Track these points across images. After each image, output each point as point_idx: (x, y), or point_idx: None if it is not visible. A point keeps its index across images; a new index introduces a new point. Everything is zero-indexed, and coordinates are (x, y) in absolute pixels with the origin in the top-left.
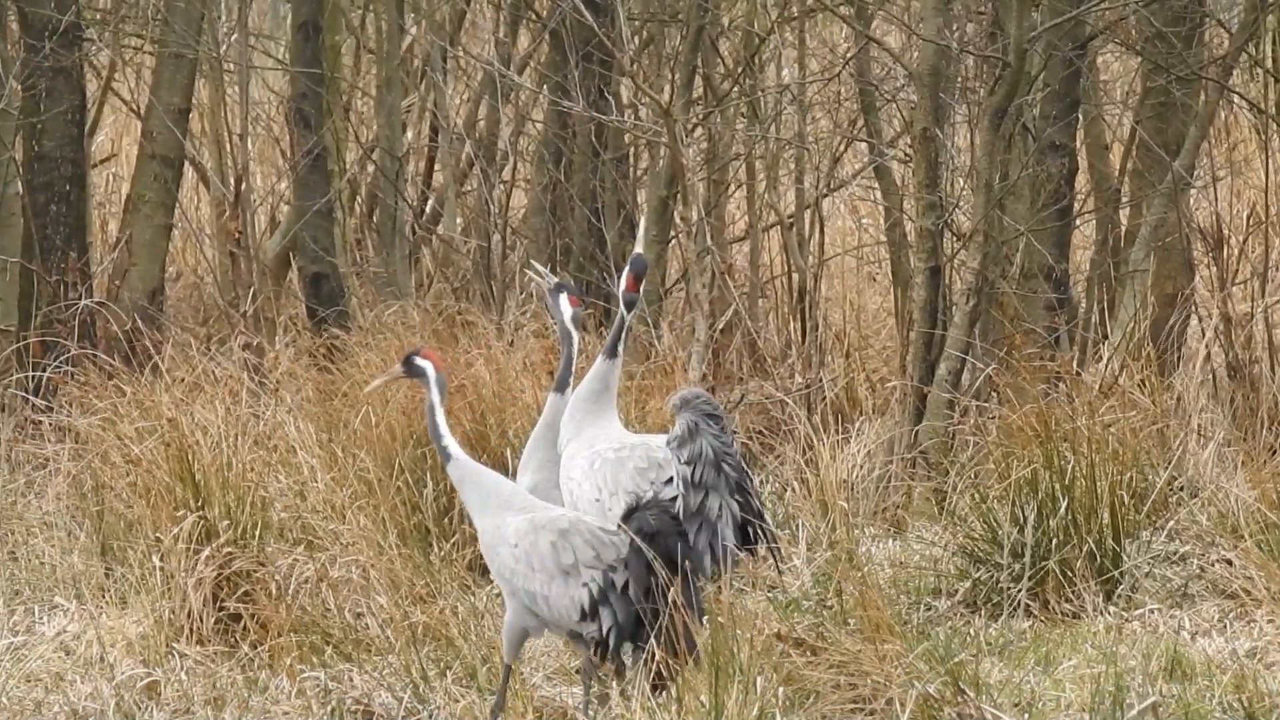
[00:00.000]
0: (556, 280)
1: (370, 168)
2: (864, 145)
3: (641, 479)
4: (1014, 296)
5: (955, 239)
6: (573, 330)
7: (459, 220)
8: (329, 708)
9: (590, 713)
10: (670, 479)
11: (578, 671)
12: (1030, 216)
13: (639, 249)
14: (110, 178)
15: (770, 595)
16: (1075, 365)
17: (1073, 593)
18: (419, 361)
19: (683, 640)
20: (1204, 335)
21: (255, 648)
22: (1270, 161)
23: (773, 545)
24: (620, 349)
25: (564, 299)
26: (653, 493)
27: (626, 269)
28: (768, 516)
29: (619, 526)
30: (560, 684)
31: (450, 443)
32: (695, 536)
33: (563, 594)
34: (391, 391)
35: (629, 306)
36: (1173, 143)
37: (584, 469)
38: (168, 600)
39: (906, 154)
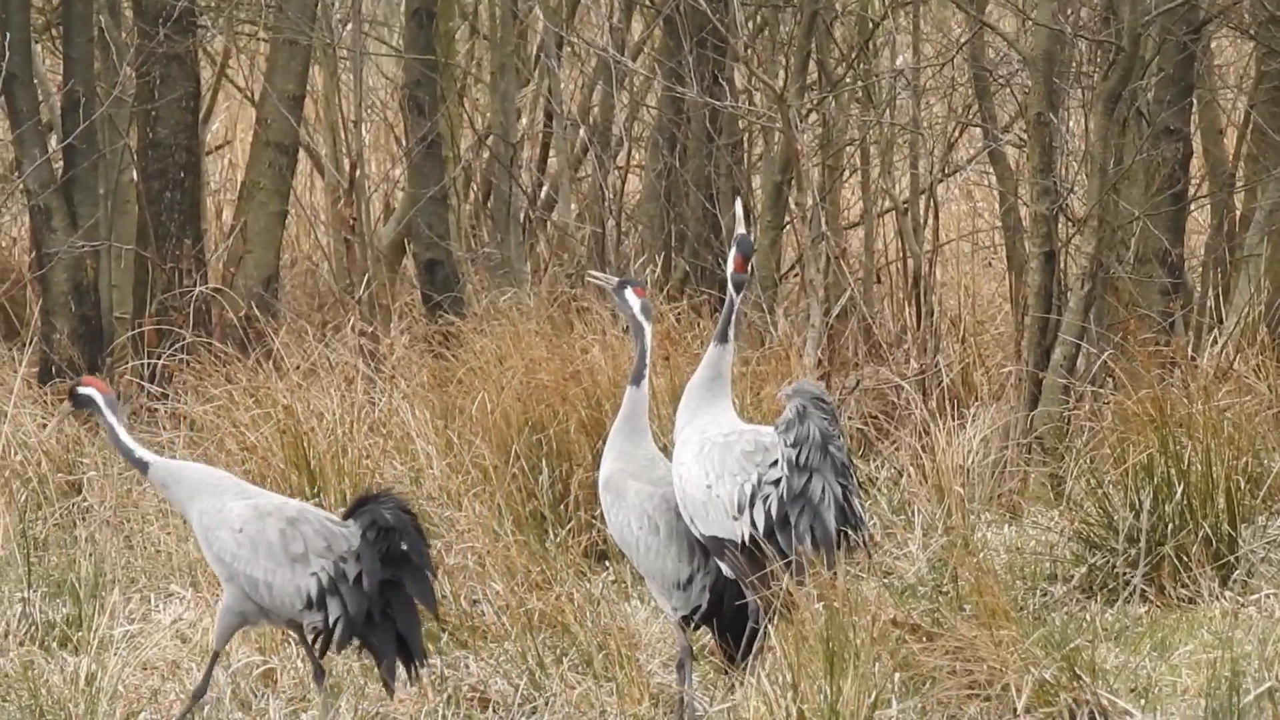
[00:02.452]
0: (618, 279)
1: (485, 154)
2: (978, 130)
3: (748, 462)
4: (1129, 281)
5: (1070, 224)
6: (643, 322)
7: (574, 206)
8: (445, 695)
9: (696, 700)
10: (775, 462)
11: (679, 665)
12: (1145, 201)
13: (741, 229)
14: (225, 165)
15: (886, 581)
16: (1190, 350)
17: (1188, 578)
18: (83, 391)
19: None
20: None
21: None
22: None
23: (866, 535)
24: (731, 333)
25: (629, 292)
26: (758, 475)
27: (733, 249)
28: (862, 507)
29: (345, 518)
30: (674, 670)
31: (142, 452)
32: (797, 519)
33: (288, 581)
34: (507, 377)
35: (738, 288)
36: None
37: (694, 454)
38: None
39: (1021, 139)
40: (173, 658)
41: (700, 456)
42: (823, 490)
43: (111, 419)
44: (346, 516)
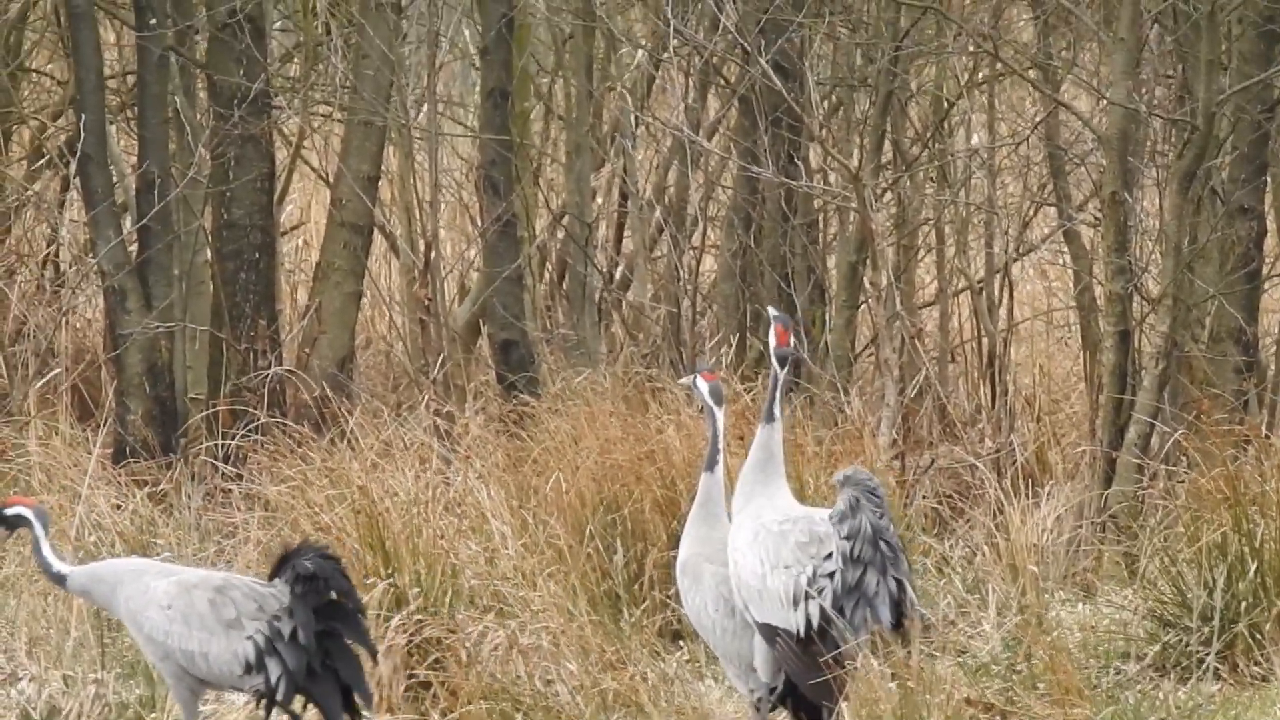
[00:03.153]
0: (691, 375)
1: (560, 234)
2: (1053, 209)
3: (802, 553)
4: (1203, 360)
5: (1144, 303)
6: (714, 406)
7: (649, 286)
8: None
9: None
10: (830, 554)
11: None
12: (1219, 280)
13: (773, 311)
14: (299, 245)
15: (960, 660)
16: (1264, 428)
17: (1262, 656)
18: (10, 512)
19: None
20: None
21: (445, 715)
22: None
23: (923, 618)
24: (778, 411)
25: (698, 379)
26: (813, 568)
27: (772, 324)
28: (915, 594)
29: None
30: None
31: (60, 566)
32: (852, 612)
33: (225, 649)
34: (582, 457)
35: (782, 363)
36: None
37: (748, 540)
38: None
39: (1095, 218)
40: None
41: (755, 544)
42: (876, 584)
43: (39, 532)
44: (271, 576)
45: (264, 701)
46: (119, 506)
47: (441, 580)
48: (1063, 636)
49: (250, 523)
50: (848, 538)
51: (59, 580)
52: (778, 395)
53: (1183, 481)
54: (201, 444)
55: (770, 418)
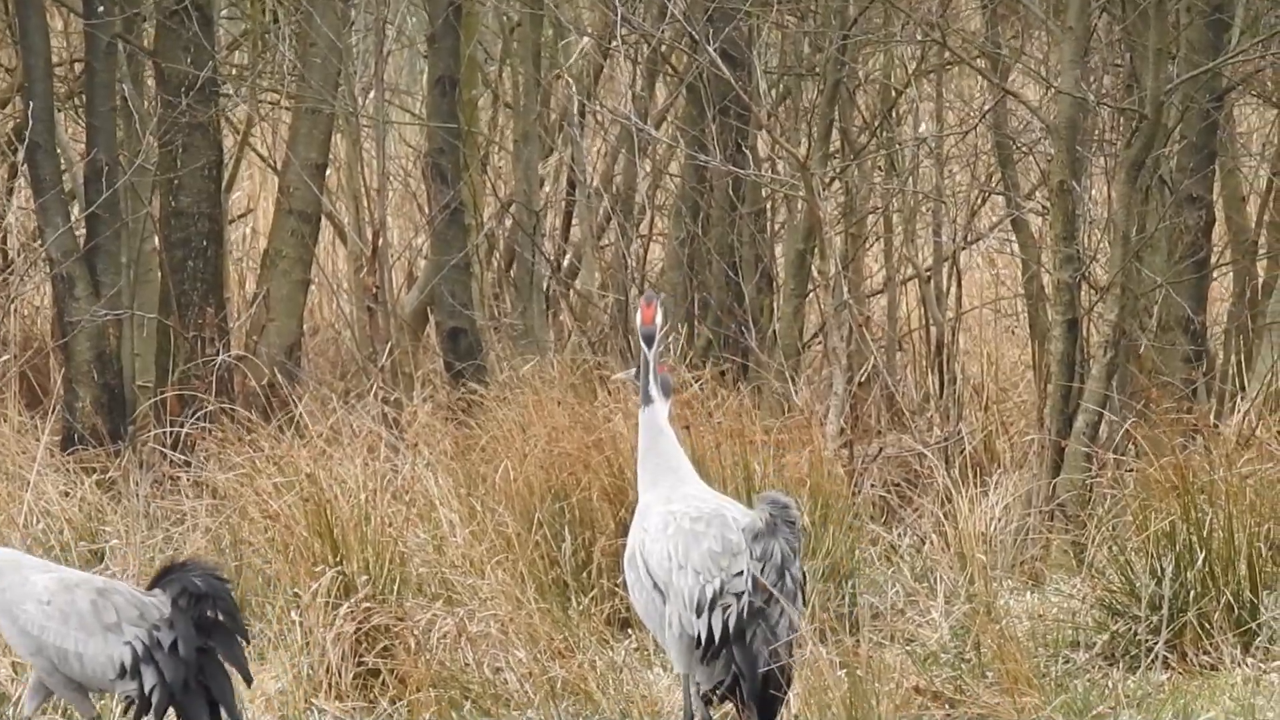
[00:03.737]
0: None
1: (508, 222)
2: (1001, 198)
3: (713, 563)
4: (1151, 349)
5: (1092, 291)
6: (645, 347)
7: (596, 274)
8: None
9: None
10: (740, 572)
11: None
12: (1168, 269)
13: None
14: (248, 233)
15: (909, 648)
16: (1213, 417)
17: (1210, 645)
18: None
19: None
20: None
21: (394, 703)
22: None
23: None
24: (654, 391)
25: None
26: (720, 582)
27: (641, 304)
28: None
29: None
30: None
31: None
32: (751, 637)
33: (100, 651)
34: (530, 445)
35: (648, 342)
36: None
37: (658, 527)
38: (306, 655)
39: (1044, 207)
40: None
41: (664, 534)
42: (780, 613)
43: None
44: (151, 586)
45: (133, 708)
46: (67, 494)
47: (390, 568)
48: (1011, 625)
49: (199, 510)
50: (760, 559)
51: None
52: (650, 377)
53: (1131, 470)
54: (150, 431)
55: (648, 399)
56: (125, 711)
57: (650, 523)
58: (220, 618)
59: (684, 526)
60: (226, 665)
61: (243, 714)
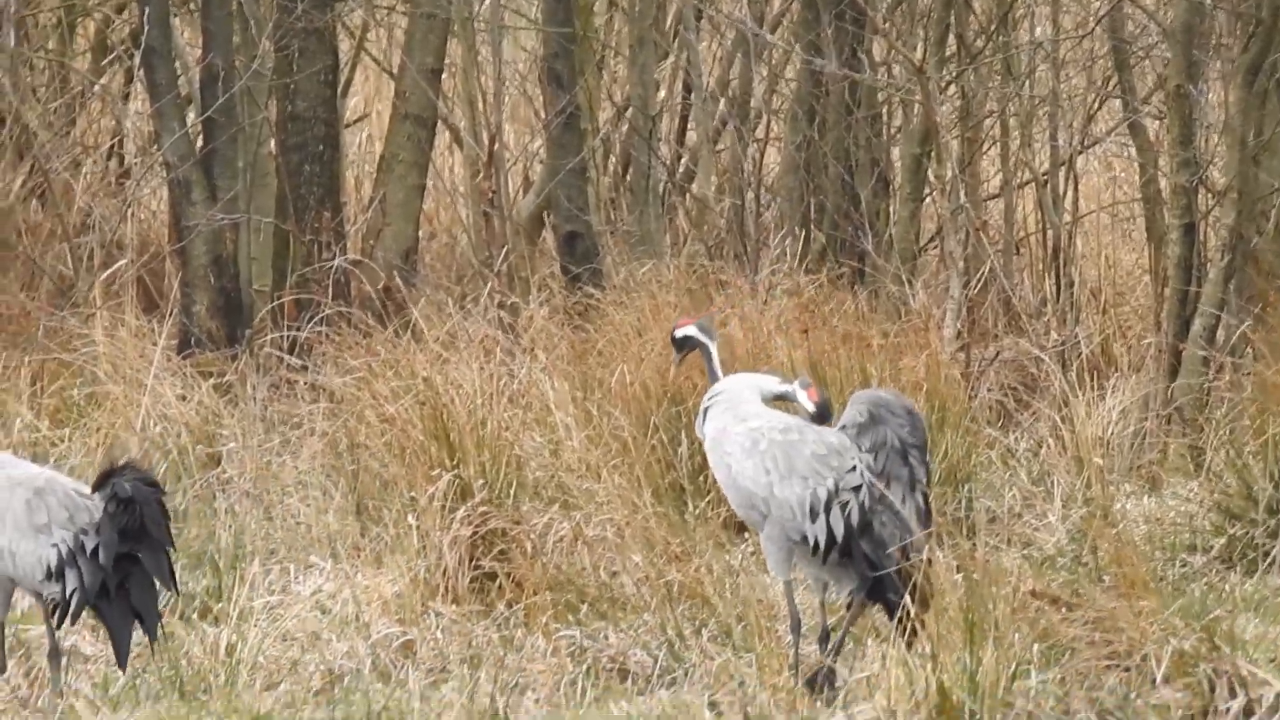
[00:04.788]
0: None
1: (624, 126)
2: (1118, 102)
3: (821, 465)
4: (1269, 252)
5: (1210, 195)
6: (706, 341)
7: (713, 179)
8: (584, 666)
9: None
10: (853, 467)
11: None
12: None
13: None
14: (364, 138)
15: (1025, 552)
16: None
17: None
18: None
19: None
20: None
21: (510, 606)
22: None
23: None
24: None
25: (682, 329)
26: (834, 480)
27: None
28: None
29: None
30: (813, 640)
31: None
32: (880, 526)
33: (31, 552)
34: (646, 349)
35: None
36: None
37: (744, 447)
38: (423, 559)
39: (1160, 111)
40: (312, 629)
41: (756, 451)
42: (904, 499)
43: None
44: (95, 489)
45: (57, 612)
46: (184, 398)
47: (506, 472)
48: (1128, 529)
49: (315, 414)
50: (871, 449)
51: None
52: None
53: (1249, 374)
54: (266, 335)
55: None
56: (52, 614)
57: (732, 446)
58: (147, 526)
59: (776, 439)
60: (154, 576)
61: (162, 626)
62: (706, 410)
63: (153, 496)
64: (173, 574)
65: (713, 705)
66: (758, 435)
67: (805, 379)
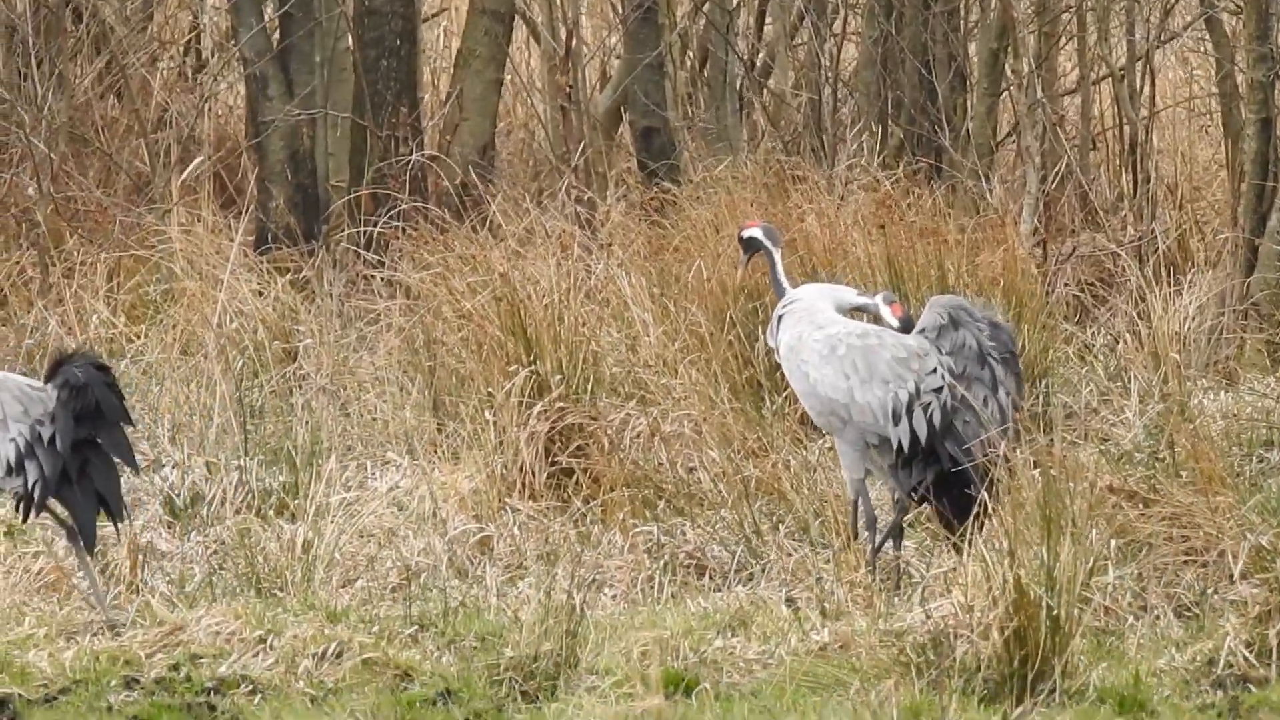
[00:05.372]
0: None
1: (701, 21)
2: None
3: (902, 368)
4: None
5: None
6: (770, 246)
7: (790, 74)
8: (661, 562)
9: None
10: (934, 369)
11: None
12: None
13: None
14: (441, 32)
15: (1102, 448)
16: None
17: None
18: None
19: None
20: None
21: (588, 502)
22: None
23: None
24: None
25: (750, 231)
26: (914, 383)
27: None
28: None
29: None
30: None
31: None
32: (962, 426)
33: None
34: (723, 244)
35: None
36: None
37: (822, 353)
38: (500, 455)
39: (1237, 5)
40: (389, 525)
41: (834, 357)
42: (985, 399)
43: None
44: (46, 380)
45: (22, 504)
46: (261, 293)
47: (583, 368)
48: (1205, 424)
49: (392, 310)
50: (951, 352)
51: None
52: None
53: None
54: (343, 231)
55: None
56: (16, 508)
57: (809, 354)
58: (102, 407)
59: (854, 344)
60: (113, 456)
61: (126, 507)
62: (780, 319)
63: (103, 379)
64: (130, 451)
65: (790, 601)
66: (835, 341)
67: (889, 294)
